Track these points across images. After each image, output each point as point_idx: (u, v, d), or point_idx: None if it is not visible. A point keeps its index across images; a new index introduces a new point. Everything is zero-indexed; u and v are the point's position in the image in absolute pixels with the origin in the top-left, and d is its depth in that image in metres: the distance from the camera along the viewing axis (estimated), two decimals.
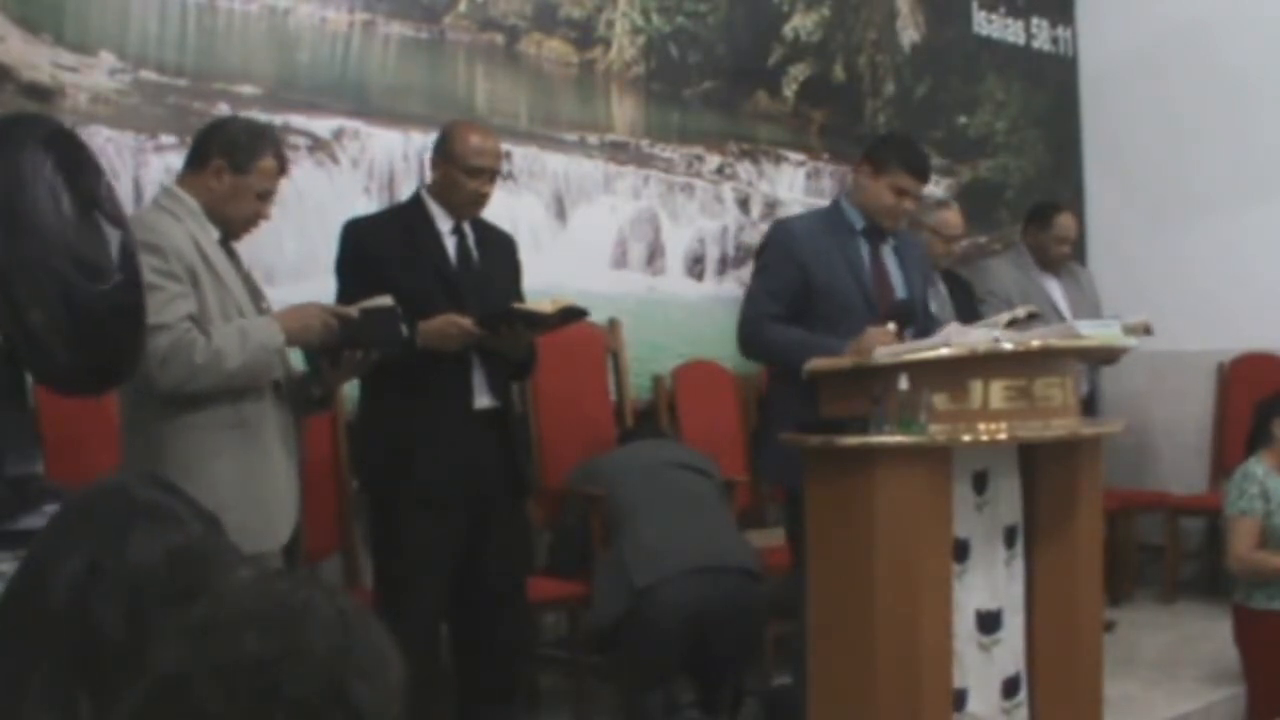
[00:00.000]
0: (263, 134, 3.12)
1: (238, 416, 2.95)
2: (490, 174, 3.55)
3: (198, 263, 2.93)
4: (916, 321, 3.63)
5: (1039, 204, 5.61)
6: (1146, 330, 4.23)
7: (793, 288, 3.65)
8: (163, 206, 3.01)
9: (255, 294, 3.11)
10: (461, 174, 3.50)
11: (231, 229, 3.07)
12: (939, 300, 4.65)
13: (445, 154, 3.53)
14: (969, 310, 4.75)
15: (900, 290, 3.73)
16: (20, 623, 1.30)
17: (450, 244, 3.55)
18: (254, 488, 2.90)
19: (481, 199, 3.56)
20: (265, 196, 3.08)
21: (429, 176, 3.66)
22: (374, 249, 3.48)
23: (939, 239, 4.80)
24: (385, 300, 3.12)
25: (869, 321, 3.45)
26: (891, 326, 3.42)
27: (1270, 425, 4.40)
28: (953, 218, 4.95)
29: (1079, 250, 5.86)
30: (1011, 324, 3.46)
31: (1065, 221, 5.37)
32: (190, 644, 1.05)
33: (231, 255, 3.08)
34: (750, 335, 3.72)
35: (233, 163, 3.00)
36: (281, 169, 3.12)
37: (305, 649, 1.04)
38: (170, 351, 2.83)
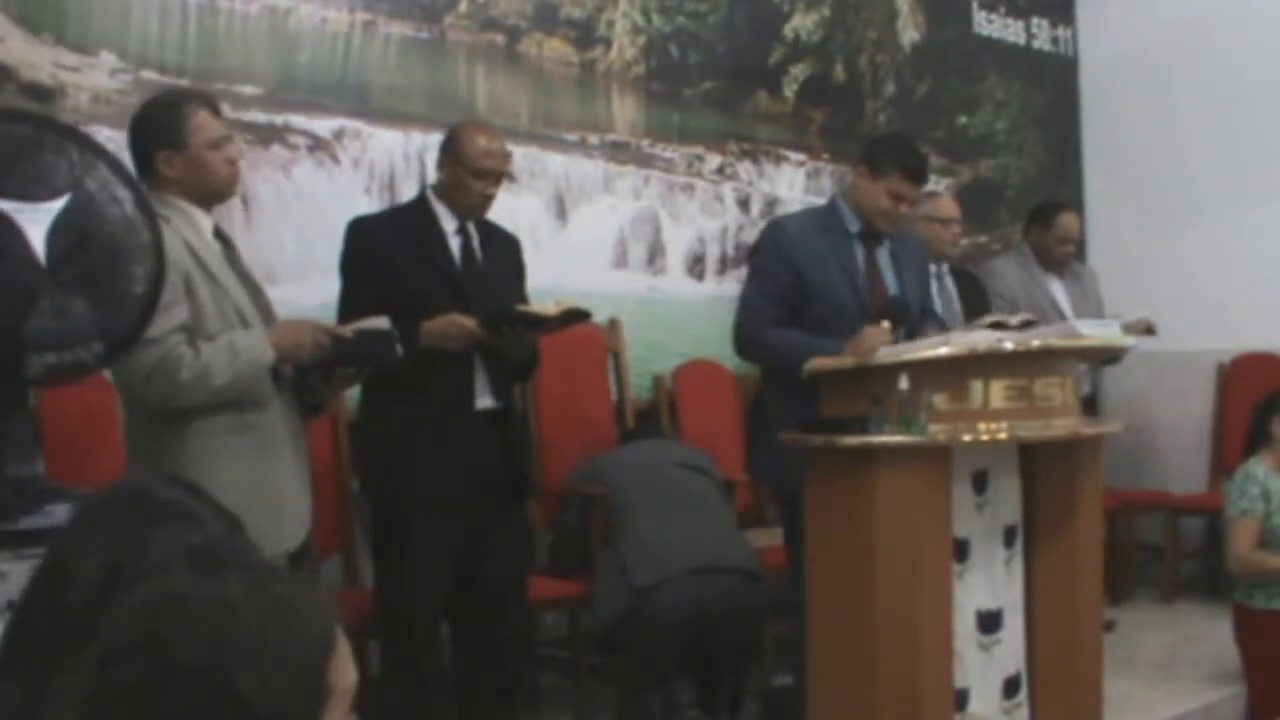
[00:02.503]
0: (176, 101, 2.99)
1: (242, 421, 2.88)
2: (497, 176, 3.55)
3: (192, 267, 2.85)
4: (909, 320, 3.62)
5: (1042, 203, 5.59)
6: (1149, 329, 4.23)
7: (787, 290, 3.63)
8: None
9: (254, 291, 3.03)
10: (469, 175, 3.49)
11: (218, 194, 2.97)
12: (945, 297, 4.63)
13: (453, 155, 3.52)
14: (980, 308, 4.71)
15: (894, 292, 3.72)
16: (40, 622, 1.29)
17: (455, 244, 3.55)
18: (265, 490, 2.83)
19: (487, 201, 3.55)
20: (220, 144, 2.94)
21: (433, 176, 3.66)
22: (378, 248, 3.48)
23: (936, 223, 4.73)
24: (381, 322, 3.04)
25: (862, 324, 3.43)
26: (886, 324, 3.41)
27: (1270, 425, 4.39)
28: (945, 203, 4.91)
29: (1079, 250, 5.86)
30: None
31: (1068, 221, 5.36)
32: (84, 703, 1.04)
33: (229, 247, 3.00)
34: (748, 340, 3.70)
35: (171, 143, 2.89)
36: (214, 111, 2.97)
37: (178, 665, 1.03)
38: (156, 367, 2.76)
